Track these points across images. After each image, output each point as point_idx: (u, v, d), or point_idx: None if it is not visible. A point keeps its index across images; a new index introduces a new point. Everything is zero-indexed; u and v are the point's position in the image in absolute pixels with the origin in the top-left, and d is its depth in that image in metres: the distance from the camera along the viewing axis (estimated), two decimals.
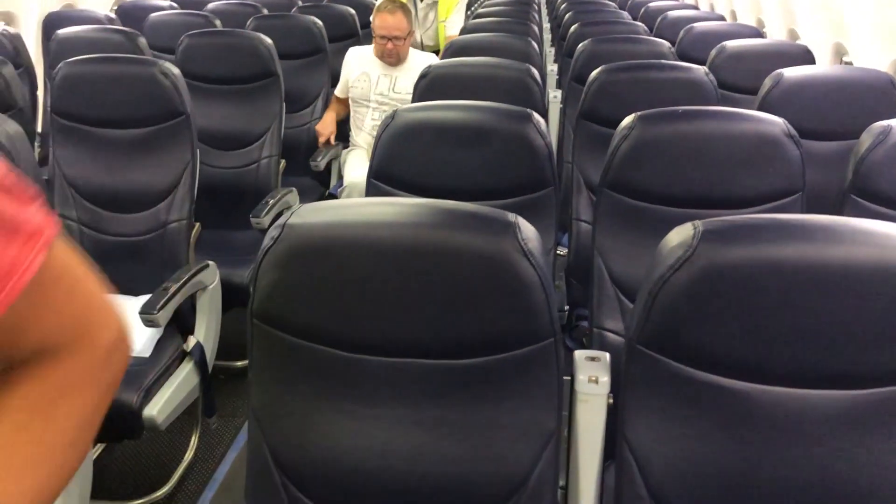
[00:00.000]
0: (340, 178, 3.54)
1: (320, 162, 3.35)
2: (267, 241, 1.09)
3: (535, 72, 2.45)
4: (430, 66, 2.48)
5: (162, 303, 2.12)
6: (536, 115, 1.79)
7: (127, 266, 2.47)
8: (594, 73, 2.46)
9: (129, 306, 2.36)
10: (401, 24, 3.32)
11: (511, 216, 1.09)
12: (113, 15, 4.11)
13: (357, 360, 1.11)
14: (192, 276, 2.29)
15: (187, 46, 3.09)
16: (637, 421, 1.11)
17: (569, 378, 1.26)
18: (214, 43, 3.16)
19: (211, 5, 4.42)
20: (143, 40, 3.24)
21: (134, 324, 2.26)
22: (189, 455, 2.48)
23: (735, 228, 1.05)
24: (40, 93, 3.65)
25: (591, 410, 1.19)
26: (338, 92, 3.62)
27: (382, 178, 1.79)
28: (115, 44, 3.13)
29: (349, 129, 3.62)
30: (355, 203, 1.14)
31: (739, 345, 1.03)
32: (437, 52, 4.47)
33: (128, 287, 2.44)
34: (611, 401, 1.21)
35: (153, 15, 3.89)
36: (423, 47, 4.58)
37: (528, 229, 1.07)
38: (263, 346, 1.15)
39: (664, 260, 1.06)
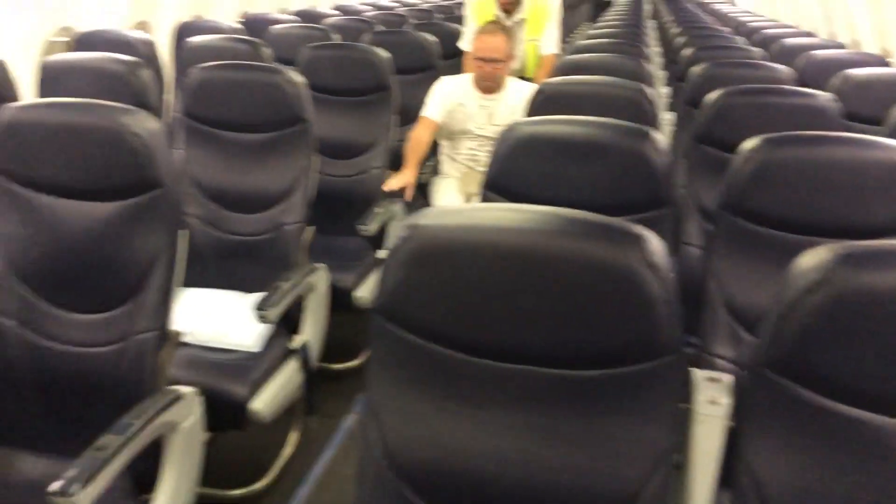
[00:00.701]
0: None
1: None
2: (396, 241, 1.12)
3: (650, 92, 2.43)
4: (544, 84, 2.49)
5: (275, 300, 2.20)
6: (655, 133, 1.78)
7: (241, 264, 2.57)
8: (712, 95, 2.42)
9: (242, 303, 2.47)
10: (501, 46, 3.16)
11: (638, 228, 1.08)
12: (238, 26, 4.31)
13: (475, 363, 1.13)
14: (303, 277, 2.37)
15: (308, 57, 3.21)
16: (759, 447, 1.09)
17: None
18: (334, 55, 3.27)
19: (329, 20, 4.57)
20: (267, 50, 3.39)
21: (246, 319, 2.35)
22: (288, 451, 2.55)
23: (875, 254, 1.02)
24: (167, 95, 3.85)
25: (708, 433, 1.17)
26: (432, 114, 3.26)
27: (497, 190, 1.81)
28: (242, 52, 3.28)
29: (438, 157, 3.48)
30: (483, 207, 1.16)
31: (874, 374, 0.99)
32: (522, 78, 4.15)
33: (241, 284, 2.54)
34: (730, 424, 1.18)
35: (275, 27, 4.06)
36: None
37: (655, 242, 1.07)
38: (383, 343, 1.18)
39: (796, 283, 1.03)
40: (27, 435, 1.80)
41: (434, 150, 3.45)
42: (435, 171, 3.52)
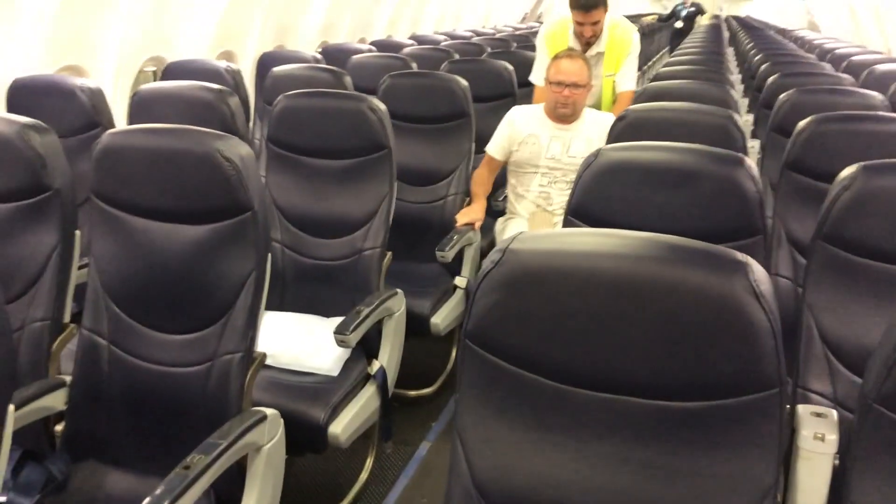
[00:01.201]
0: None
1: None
2: (487, 265, 1.11)
3: (738, 118, 2.37)
4: (628, 111, 2.46)
5: (355, 325, 2.21)
6: (748, 160, 1.73)
7: (321, 288, 2.61)
8: (803, 122, 2.35)
9: (321, 326, 2.49)
10: (581, 71, 2.98)
11: (741, 255, 1.05)
12: (319, 55, 4.41)
13: (568, 391, 1.10)
14: (382, 302, 2.38)
15: (389, 86, 3.26)
16: (867, 486, 1.03)
17: None
18: (414, 84, 3.31)
19: (407, 49, 4.64)
20: (348, 79, 3.46)
21: (324, 343, 2.38)
22: (364, 476, 2.54)
23: None
24: (250, 123, 3.97)
25: (814, 470, 1.11)
26: (494, 151, 3.15)
27: (581, 217, 1.78)
28: (324, 81, 3.35)
29: (505, 196, 3.26)
30: (578, 232, 1.14)
31: None
32: None
33: (320, 308, 2.57)
34: (836, 462, 1.12)
35: (355, 57, 4.14)
36: None
37: (759, 270, 1.03)
38: (473, 368, 1.16)
39: None
40: (114, 451, 1.85)
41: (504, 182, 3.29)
42: (502, 211, 3.31)
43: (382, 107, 2.54)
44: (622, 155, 1.78)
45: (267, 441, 1.74)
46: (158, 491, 1.45)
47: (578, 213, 1.79)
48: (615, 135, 2.43)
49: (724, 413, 1.05)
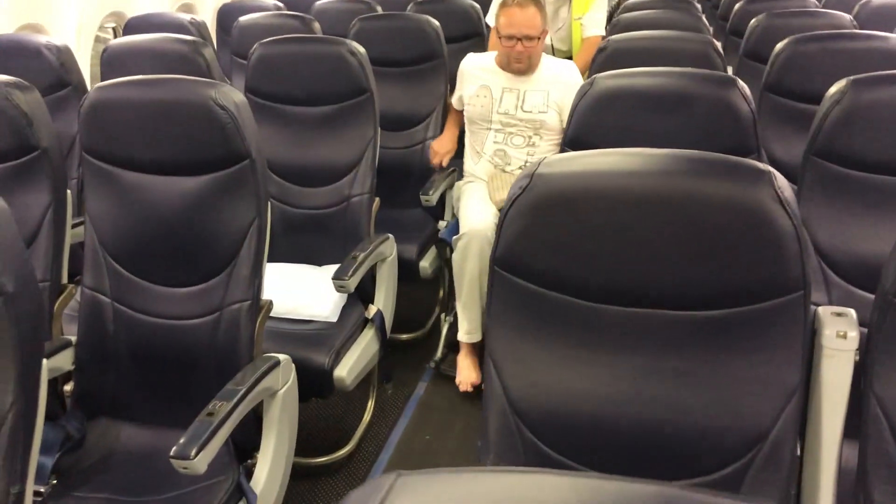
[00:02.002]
0: (455, 218, 2.85)
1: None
2: (514, 191, 1.13)
3: (718, 44, 2.40)
4: (608, 41, 2.47)
5: (352, 270, 2.22)
6: (740, 81, 1.76)
7: (312, 237, 2.60)
8: (781, 44, 2.38)
9: (315, 275, 2.50)
10: (533, 21, 2.61)
11: (763, 165, 1.08)
12: (279, 3, 4.31)
13: (599, 309, 1.14)
14: (375, 247, 2.39)
15: (360, 30, 3.21)
16: (889, 377, 1.08)
17: None
18: (385, 26, 3.26)
19: None
20: (317, 24, 3.39)
21: (321, 291, 2.38)
22: (367, 418, 2.58)
23: None
24: None
25: (837, 366, 1.17)
26: (455, 103, 2.98)
27: (578, 148, 1.80)
28: (292, 28, 3.29)
29: (464, 155, 2.96)
30: (602, 153, 1.16)
31: None
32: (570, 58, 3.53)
33: (312, 257, 2.57)
34: (856, 358, 1.18)
35: (319, 3, 4.05)
36: (553, 52, 3.68)
37: (781, 178, 1.06)
38: (503, 293, 1.19)
39: None
40: (126, 406, 1.85)
41: (460, 151, 3.02)
42: (459, 175, 3.03)
43: (362, 50, 2.51)
44: (616, 82, 1.80)
45: (281, 386, 1.76)
46: (184, 438, 1.46)
47: (575, 143, 1.81)
48: (598, 65, 2.44)
49: (752, 318, 1.09)
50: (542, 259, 1.14)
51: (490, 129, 2.77)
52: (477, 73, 2.81)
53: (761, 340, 1.11)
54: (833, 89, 1.73)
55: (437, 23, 3.22)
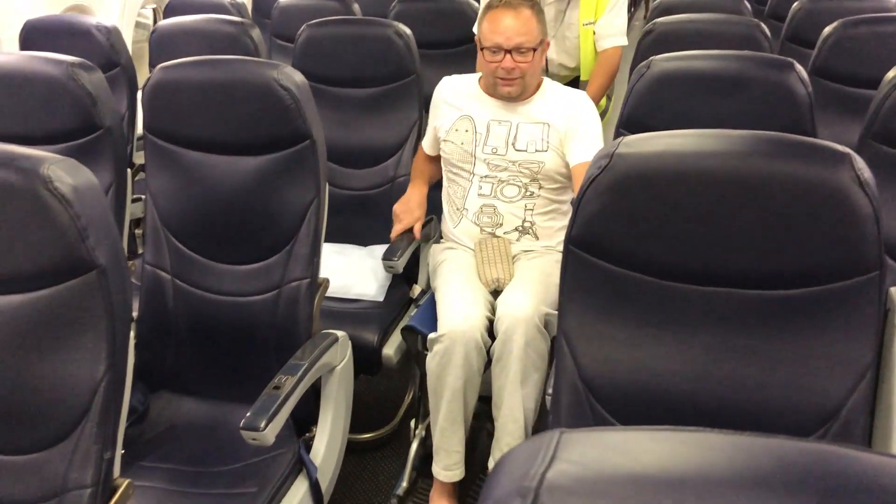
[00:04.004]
0: (430, 295, 2.20)
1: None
2: (593, 170, 1.15)
3: (765, 27, 2.40)
4: (654, 23, 2.47)
5: (401, 251, 2.25)
6: (798, 65, 1.77)
7: (356, 218, 2.63)
8: (829, 28, 2.38)
9: (361, 255, 2.54)
10: (527, 27, 1.96)
11: (843, 147, 1.10)
12: None
13: (673, 287, 1.16)
14: (421, 229, 2.42)
15: (399, 11, 3.22)
16: None
17: None
18: (426, 7, 3.27)
19: None
20: (356, 6, 3.40)
21: (368, 271, 2.42)
22: (412, 392, 2.62)
23: None
24: None
25: None
26: (426, 146, 2.30)
27: (633, 130, 1.82)
28: (333, 10, 3.29)
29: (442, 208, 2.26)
30: (682, 133, 1.18)
31: None
32: (576, 81, 2.81)
33: (357, 237, 2.61)
34: None
35: None
36: (546, 71, 2.77)
37: (860, 160, 1.08)
38: (578, 271, 1.21)
39: None
40: (186, 381, 1.90)
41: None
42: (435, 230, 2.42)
43: (408, 31, 2.53)
44: (673, 64, 1.81)
45: (339, 362, 1.80)
46: (253, 411, 1.50)
47: (630, 125, 1.83)
48: (642, 50, 2.45)
49: (827, 298, 1.11)
50: (617, 238, 1.17)
51: (474, 175, 2.09)
52: (456, 101, 2.16)
53: (835, 320, 1.13)
54: (893, 73, 1.73)
55: (476, 4, 3.22)
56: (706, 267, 1.14)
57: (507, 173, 2.06)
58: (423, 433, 2.22)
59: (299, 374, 1.61)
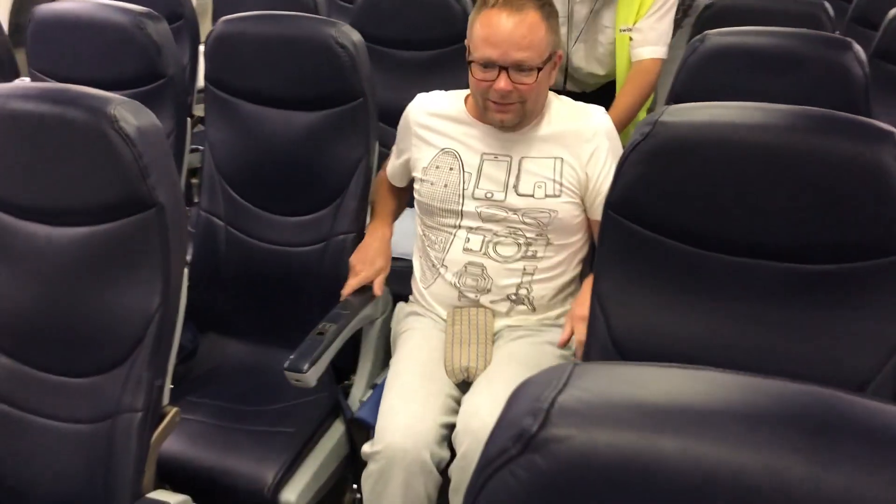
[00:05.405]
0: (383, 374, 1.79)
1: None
2: (636, 136, 1.17)
3: (829, 7, 2.36)
4: (714, 2, 2.44)
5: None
6: (856, 45, 1.75)
7: None
8: (894, 10, 2.33)
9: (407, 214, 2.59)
10: (532, 39, 1.48)
11: (886, 126, 1.10)
12: None
13: (709, 257, 1.18)
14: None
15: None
16: None
17: None
18: None
19: None
20: None
21: (404, 228, 2.47)
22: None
23: None
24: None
25: None
26: (392, 176, 1.86)
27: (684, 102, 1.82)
28: None
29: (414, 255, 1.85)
30: (727, 105, 1.19)
31: None
32: (610, 86, 2.31)
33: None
34: None
35: None
36: (566, 79, 2.36)
37: None
38: (614, 236, 1.24)
39: None
40: (233, 323, 1.98)
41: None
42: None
43: None
44: (728, 40, 1.81)
45: (380, 315, 1.86)
46: (297, 353, 1.56)
47: (681, 99, 1.83)
48: (700, 25, 2.43)
49: (862, 274, 1.12)
50: (656, 205, 1.19)
51: (458, 227, 1.66)
52: (435, 127, 1.69)
53: (867, 297, 1.14)
54: None
55: None
56: (742, 238, 1.16)
57: (502, 225, 1.62)
58: None
59: (342, 321, 1.67)
